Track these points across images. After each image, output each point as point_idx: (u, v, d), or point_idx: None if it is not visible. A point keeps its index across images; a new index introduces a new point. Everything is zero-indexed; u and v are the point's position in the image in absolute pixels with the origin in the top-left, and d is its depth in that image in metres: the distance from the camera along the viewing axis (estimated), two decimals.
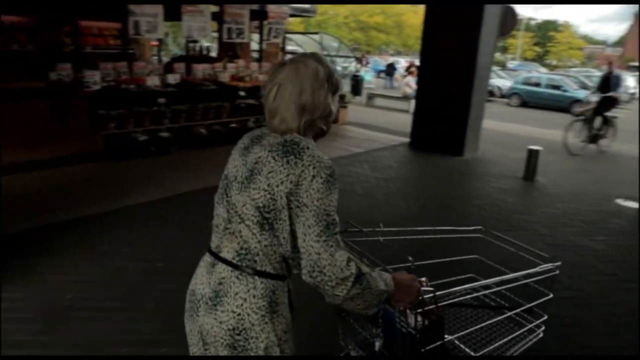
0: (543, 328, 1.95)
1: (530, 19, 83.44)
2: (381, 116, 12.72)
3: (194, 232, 3.98)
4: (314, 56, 1.40)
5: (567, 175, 7.53)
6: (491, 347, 1.81)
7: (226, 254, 1.35)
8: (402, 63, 28.14)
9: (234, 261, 1.33)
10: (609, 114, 9.73)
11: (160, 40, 14.68)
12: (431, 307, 1.46)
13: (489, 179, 6.94)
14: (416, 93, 8.82)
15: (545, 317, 1.95)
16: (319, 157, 1.28)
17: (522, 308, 1.84)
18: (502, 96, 21.39)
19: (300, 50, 17.77)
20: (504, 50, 74.39)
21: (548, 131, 12.55)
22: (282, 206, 1.27)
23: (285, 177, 1.26)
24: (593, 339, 3.14)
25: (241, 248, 1.33)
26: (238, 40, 8.85)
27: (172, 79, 7.73)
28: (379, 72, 28.05)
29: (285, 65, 1.38)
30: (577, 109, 9.78)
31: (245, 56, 11.16)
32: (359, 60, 25.46)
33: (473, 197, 6.00)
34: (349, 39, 63.43)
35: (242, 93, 8.35)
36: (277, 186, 1.26)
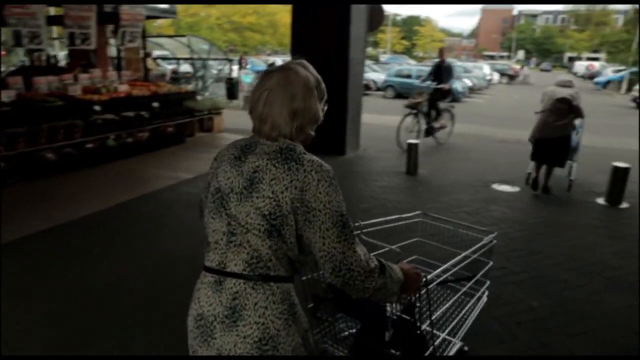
0: (487, 293, 2.22)
1: (395, 14, 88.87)
2: None
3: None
4: (302, 64, 1.43)
5: (446, 165, 7.68)
6: (454, 322, 2.09)
7: (234, 267, 1.33)
8: (280, 62, 27.88)
9: (245, 272, 1.32)
10: (443, 104, 9.40)
11: None
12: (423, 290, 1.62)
13: (373, 177, 6.79)
14: None
15: (488, 283, 2.20)
16: (318, 162, 1.33)
17: (480, 274, 2.12)
18: (378, 89, 22.11)
19: (169, 54, 16.60)
20: (376, 44, 78.38)
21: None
22: (287, 212, 1.28)
23: (289, 183, 1.27)
24: (485, 349, 2.93)
25: (252, 257, 1.32)
26: (83, 47, 7.70)
27: (6, 96, 6.46)
28: (257, 72, 27.45)
29: (274, 72, 1.40)
30: (407, 102, 9.31)
31: (103, 65, 9.93)
32: (239, 62, 24.78)
33: (359, 200, 5.75)
34: (224, 40, 62.02)
35: (97, 107, 7.28)
36: (282, 192, 1.28)
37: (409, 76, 20.51)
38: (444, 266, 1.82)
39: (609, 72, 35.04)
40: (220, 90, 15.74)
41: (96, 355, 2.70)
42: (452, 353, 2.14)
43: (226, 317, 1.31)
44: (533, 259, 4.21)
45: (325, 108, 1.50)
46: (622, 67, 31.69)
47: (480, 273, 2.16)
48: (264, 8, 54.00)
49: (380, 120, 12.51)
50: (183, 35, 16.69)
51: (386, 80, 21.09)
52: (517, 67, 40.60)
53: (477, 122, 13.46)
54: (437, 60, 8.97)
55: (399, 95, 20.34)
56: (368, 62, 34.50)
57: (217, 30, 62.05)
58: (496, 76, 31.81)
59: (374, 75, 23.82)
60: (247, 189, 1.32)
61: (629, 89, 26.52)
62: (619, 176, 5.81)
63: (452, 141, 9.95)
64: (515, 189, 6.42)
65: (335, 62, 7.55)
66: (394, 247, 1.87)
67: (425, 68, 21.57)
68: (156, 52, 17.67)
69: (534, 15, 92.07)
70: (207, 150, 8.15)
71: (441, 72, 9.16)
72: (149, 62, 15.71)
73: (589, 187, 6.63)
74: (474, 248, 2.06)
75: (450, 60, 10.12)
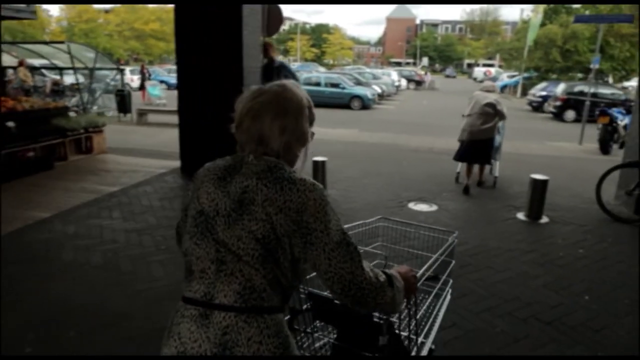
0: (450, 291, 2.33)
1: (305, 23, 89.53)
2: (153, 136, 10.85)
3: None
4: (295, 84, 1.41)
5: (357, 182, 6.96)
6: (428, 324, 2.10)
7: (223, 299, 1.22)
8: None
9: (237, 304, 1.21)
10: None
11: None
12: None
13: None
14: (178, 107, 7.28)
15: (452, 281, 2.32)
16: (310, 181, 1.28)
17: (447, 273, 2.21)
18: None
19: (48, 62, 14.56)
20: (286, 52, 78.26)
21: (333, 130, 12.44)
22: (282, 234, 1.23)
23: (283, 204, 1.22)
24: None
25: (244, 288, 1.22)
26: None
27: None
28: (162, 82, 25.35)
29: (266, 88, 1.36)
30: None
31: None
32: (140, 72, 22.63)
33: None
34: (125, 48, 58.34)
35: None
36: (276, 214, 1.22)
37: (318, 84, 19.98)
38: (422, 269, 1.84)
39: (505, 77, 37.42)
40: (113, 104, 14.06)
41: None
42: (423, 352, 2.10)
43: (215, 356, 1.20)
44: (459, 304, 3.49)
45: (314, 134, 1.44)
46: (516, 73, 33.86)
47: (447, 272, 2.22)
48: (168, 14, 51.38)
49: None
50: (61, 42, 14.72)
51: None
52: (422, 73, 42.06)
53: (390, 130, 13.10)
54: (265, 60, 7.02)
55: None
56: None
57: (117, 38, 58.26)
58: (404, 82, 32.49)
59: None
60: (236, 211, 1.24)
61: (524, 93, 28.19)
62: (538, 189, 5.40)
63: (365, 151, 9.32)
64: (433, 207, 5.82)
65: (227, 70, 6.56)
66: (379, 252, 1.97)
67: (334, 75, 21.28)
68: (37, 62, 15.52)
69: (435, 25, 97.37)
70: (81, 178, 6.75)
71: (271, 74, 6.82)
72: (21, 72, 13.68)
73: (507, 199, 6.22)
74: (442, 249, 2.12)
75: (281, 60, 8.23)
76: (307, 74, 22.55)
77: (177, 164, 7.27)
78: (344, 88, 19.49)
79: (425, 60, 62.32)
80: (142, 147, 9.06)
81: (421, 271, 1.81)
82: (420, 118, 17.34)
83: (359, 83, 21.39)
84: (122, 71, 14.97)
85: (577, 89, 17.99)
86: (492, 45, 53.09)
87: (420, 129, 13.91)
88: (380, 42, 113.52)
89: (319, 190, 1.26)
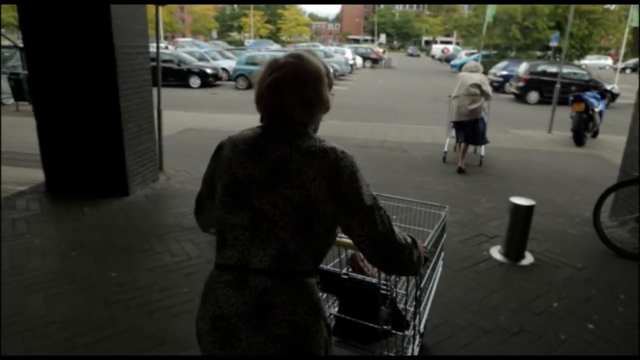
0: (442, 263, 2.54)
1: None
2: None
3: None
4: (310, 52, 1.39)
5: None
6: (427, 293, 2.29)
7: (259, 263, 1.26)
8: None
9: (273, 268, 1.26)
10: None
11: None
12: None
13: (176, 234, 4.10)
14: (32, 104, 5.31)
15: (443, 254, 2.52)
16: (340, 149, 1.30)
17: (440, 246, 2.38)
18: (230, 79, 19.26)
19: None
20: (240, 29, 74.77)
21: None
22: (317, 200, 1.24)
23: (317, 171, 1.24)
24: None
25: (279, 253, 1.26)
26: None
27: None
28: None
29: (282, 60, 1.33)
30: None
31: None
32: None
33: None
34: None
35: None
36: (311, 181, 1.24)
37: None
38: (426, 241, 1.88)
39: (463, 55, 36.28)
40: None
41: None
42: (422, 326, 2.22)
43: (253, 317, 1.24)
44: None
45: (333, 97, 1.44)
46: (474, 51, 32.69)
47: (440, 245, 2.38)
48: None
49: (218, 122, 9.80)
50: None
51: (236, 69, 18.25)
52: (380, 50, 40.47)
53: (339, 116, 11.37)
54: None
55: (251, 86, 17.74)
56: (222, 48, 31.30)
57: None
58: (359, 60, 30.75)
59: (226, 62, 20.88)
60: (272, 179, 1.26)
61: (484, 72, 27.05)
62: (521, 219, 3.87)
63: None
64: None
65: (90, 56, 4.66)
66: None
67: (279, 54, 19.15)
68: None
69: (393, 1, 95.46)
70: None
71: None
72: None
73: (477, 226, 4.68)
74: (437, 224, 2.25)
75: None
76: (250, 53, 20.43)
77: (41, 176, 5.32)
78: None
79: (383, 37, 60.35)
80: (20, 148, 6.96)
81: (426, 242, 1.82)
82: (375, 100, 15.72)
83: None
84: (22, 50, 12.53)
85: (540, 68, 16.80)
86: (449, 22, 51.95)
87: (373, 114, 12.29)
88: (338, 18, 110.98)
89: (350, 158, 1.29)
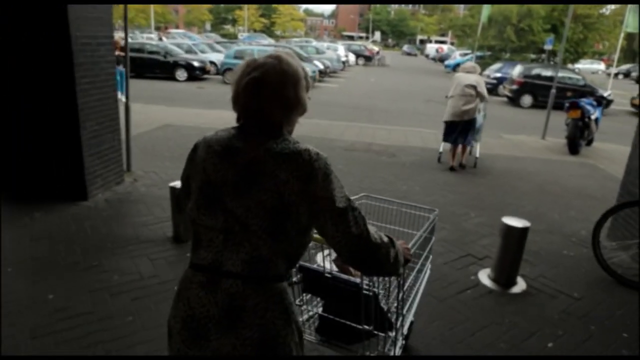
0: (430, 266, 2.54)
1: None
2: None
3: None
4: (289, 54, 1.38)
5: None
6: (413, 295, 2.28)
7: (231, 267, 1.26)
8: None
9: (245, 272, 1.26)
10: None
11: None
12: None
13: (130, 249, 3.66)
14: None
15: (431, 257, 2.53)
16: (314, 150, 1.29)
17: (428, 249, 2.39)
18: (218, 73, 18.74)
19: None
20: (234, 22, 73.89)
21: None
22: (290, 204, 1.24)
23: (290, 174, 1.23)
24: None
25: (251, 257, 1.26)
26: None
27: None
28: None
29: (261, 61, 1.33)
30: None
31: None
32: None
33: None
34: None
35: None
36: (284, 184, 1.23)
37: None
38: (411, 243, 1.89)
39: (457, 55, 35.96)
40: None
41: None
42: (406, 328, 2.20)
43: (223, 319, 1.25)
44: None
45: (309, 99, 1.42)
46: (469, 51, 32.39)
47: (428, 248, 2.39)
48: None
49: (203, 118, 9.34)
50: None
51: (224, 63, 17.71)
52: (375, 48, 40.05)
53: (327, 115, 10.96)
54: None
55: None
56: (213, 41, 30.57)
57: None
58: (352, 57, 30.30)
59: (216, 56, 20.32)
60: (244, 181, 1.25)
61: (480, 73, 26.76)
62: (513, 243, 3.48)
63: None
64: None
65: (41, 42, 4.19)
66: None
67: (268, 49, 18.72)
68: None
69: None
70: None
71: None
72: None
73: (466, 245, 4.29)
74: (425, 226, 2.22)
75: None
76: (239, 47, 19.91)
77: None
78: None
79: (377, 35, 59.97)
80: None
81: (410, 244, 1.80)
82: (365, 99, 15.31)
83: (300, 58, 19.04)
84: None
85: (534, 71, 16.49)
86: (445, 22, 51.66)
87: (362, 114, 11.86)
88: (334, 14, 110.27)
89: (323, 159, 1.29)
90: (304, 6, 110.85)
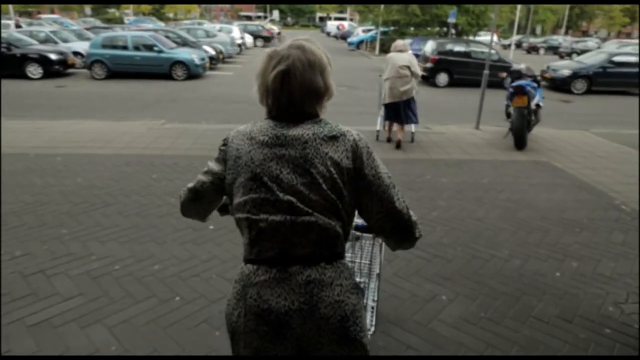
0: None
1: None
2: None
3: None
4: (312, 41, 1.38)
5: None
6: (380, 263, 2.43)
7: (301, 251, 1.29)
8: None
9: (316, 253, 1.29)
10: None
11: None
12: None
13: None
14: None
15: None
16: (355, 131, 1.36)
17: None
18: (85, 67, 15.34)
19: None
20: (118, 4, 66.83)
21: (124, 125, 7.59)
22: (343, 182, 1.29)
23: (341, 154, 1.29)
24: None
25: (320, 238, 1.29)
26: None
27: None
28: None
29: (284, 52, 1.33)
30: None
31: None
32: None
33: None
34: None
35: None
36: (337, 165, 1.28)
37: (125, 47, 14.36)
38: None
39: (360, 32, 34.60)
40: None
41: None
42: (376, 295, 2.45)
43: (303, 304, 1.26)
44: None
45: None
46: (372, 27, 31.07)
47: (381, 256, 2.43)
48: None
49: (59, 137, 6.53)
50: None
51: (91, 54, 14.37)
52: (275, 28, 37.57)
53: (218, 113, 8.60)
54: None
55: (113, 75, 14.12)
56: (85, 27, 26.16)
57: None
58: (249, 39, 27.61)
59: (83, 45, 16.72)
60: (301, 167, 1.28)
61: (383, 50, 25.42)
62: None
63: (111, 179, 4.77)
64: None
65: None
66: None
67: (145, 34, 15.49)
68: None
69: None
70: None
71: None
72: None
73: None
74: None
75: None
76: (107, 33, 16.51)
77: None
78: (160, 52, 14.16)
79: (276, 14, 56.98)
80: None
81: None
82: None
83: (184, 43, 16.17)
84: None
85: (447, 47, 15.20)
86: None
87: (261, 109, 9.63)
88: None
89: (364, 140, 1.36)
90: None
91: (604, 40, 50.10)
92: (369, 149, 1.34)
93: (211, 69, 16.10)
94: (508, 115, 7.82)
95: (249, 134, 1.35)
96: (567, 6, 64.12)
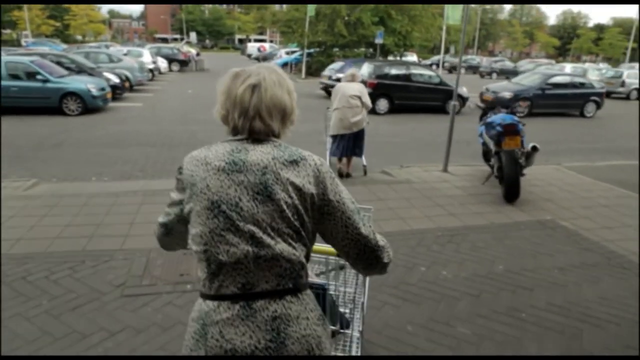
0: None
1: None
2: None
3: None
4: (274, 65, 1.37)
5: None
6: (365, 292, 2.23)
7: (266, 285, 1.20)
8: None
9: (280, 287, 1.21)
10: None
11: None
12: None
13: None
14: None
15: None
16: (317, 157, 1.32)
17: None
18: None
19: None
20: (14, 25, 60.56)
21: None
22: (305, 208, 1.23)
23: (303, 179, 1.23)
24: None
25: (284, 269, 1.21)
26: None
27: None
28: None
29: (251, 72, 1.30)
30: None
31: None
32: None
33: None
34: None
35: None
36: (299, 190, 1.22)
37: None
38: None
39: (283, 54, 33.13)
40: None
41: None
42: (361, 326, 2.21)
43: (270, 342, 1.18)
44: None
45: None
46: (297, 48, 29.66)
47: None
48: None
49: None
50: None
51: None
52: (192, 50, 35.12)
53: (115, 161, 6.35)
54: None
55: None
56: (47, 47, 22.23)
57: None
58: (163, 64, 25.02)
59: None
60: (261, 194, 1.20)
61: (310, 73, 23.97)
62: None
63: None
64: None
65: None
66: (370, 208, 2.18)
67: (25, 60, 12.38)
68: None
69: None
70: None
71: None
72: None
73: None
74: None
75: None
76: None
77: None
78: (45, 81, 11.47)
79: (193, 36, 54.12)
80: None
81: None
82: (179, 123, 10.85)
83: (80, 70, 13.53)
84: None
85: (385, 70, 13.89)
86: (263, 19, 48.79)
87: (169, 154, 7.49)
88: (143, 15, 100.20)
89: (326, 164, 1.31)
90: (106, 6, 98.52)
91: (510, 59, 52.93)
92: (332, 173, 1.30)
93: (115, 99, 13.56)
94: (486, 157, 6.37)
95: (204, 159, 1.27)
96: (477, 28, 67.37)
